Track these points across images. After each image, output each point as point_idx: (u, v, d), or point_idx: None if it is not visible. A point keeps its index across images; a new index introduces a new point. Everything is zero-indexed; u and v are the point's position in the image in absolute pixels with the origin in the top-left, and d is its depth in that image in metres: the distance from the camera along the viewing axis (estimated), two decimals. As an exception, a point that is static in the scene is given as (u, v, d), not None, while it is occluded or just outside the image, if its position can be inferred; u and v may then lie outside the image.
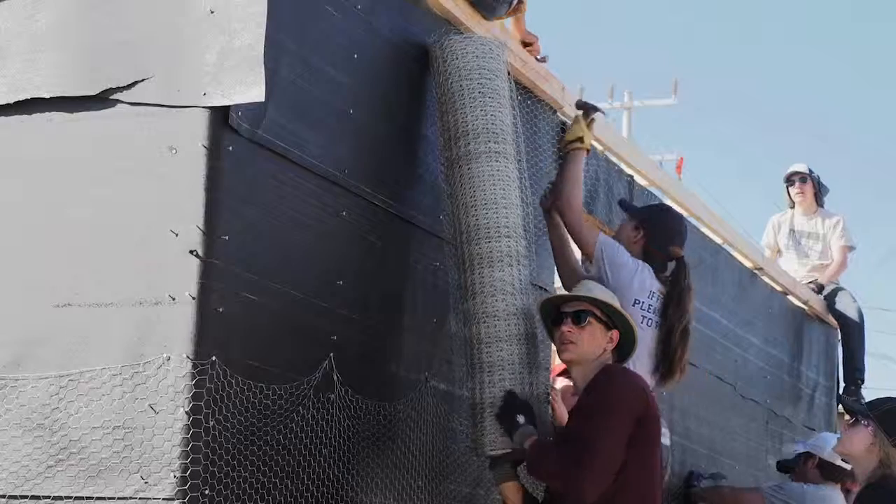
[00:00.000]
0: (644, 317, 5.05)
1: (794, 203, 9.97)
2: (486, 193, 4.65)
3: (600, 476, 4.10)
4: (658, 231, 5.25)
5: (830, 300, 9.66)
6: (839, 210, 10.15)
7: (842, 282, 9.92)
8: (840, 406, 9.66)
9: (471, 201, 4.65)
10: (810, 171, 9.93)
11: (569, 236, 5.33)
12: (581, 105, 5.54)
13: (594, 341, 4.45)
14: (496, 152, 4.70)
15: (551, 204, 5.32)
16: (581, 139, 5.35)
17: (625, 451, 4.16)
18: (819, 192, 9.97)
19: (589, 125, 5.48)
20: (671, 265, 5.25)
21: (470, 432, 4.62)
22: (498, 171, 4.69)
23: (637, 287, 5.04)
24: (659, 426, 4.37)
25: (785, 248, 9.95)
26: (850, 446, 4.63)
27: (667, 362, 5.09)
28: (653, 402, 4.32)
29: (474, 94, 4.73)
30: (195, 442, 3.69)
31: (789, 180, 9.93)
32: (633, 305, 5.00)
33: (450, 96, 4.76)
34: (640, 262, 5.13)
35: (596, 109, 5.56)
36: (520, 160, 4.87)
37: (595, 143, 6.31)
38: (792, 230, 9.94)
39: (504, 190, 4.68)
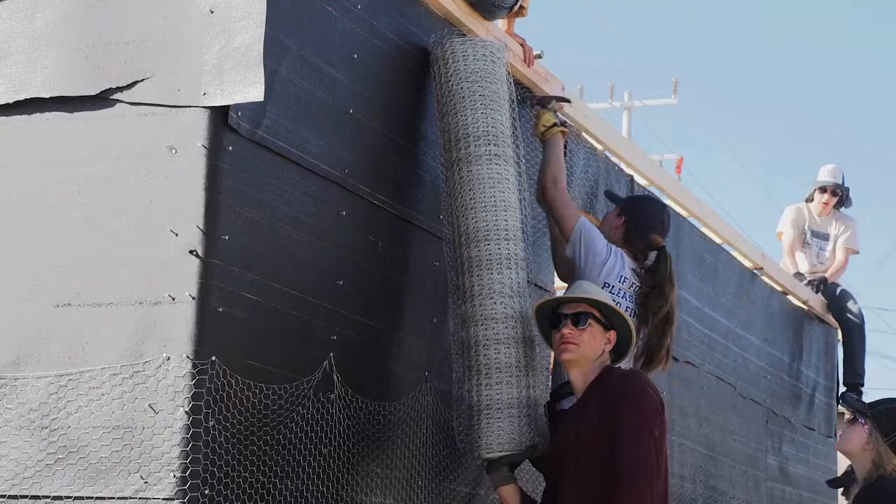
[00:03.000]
0: (614, 301, 5.06)
1: (812, 199, 9.96)
2: (485, 196, 4.65)
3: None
4: (638, 217, 5.25)
5: (830, 300, 9.66)
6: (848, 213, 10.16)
7: (841, 282, 9.93)
8: (841, 404, 9.66)
9: (470, 203, 4.65)
10: (843, 183, 9.92)
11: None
12: (540, 101, 5.56)
13: (594, 343, 4.46)
14: (496, 155, 4.70)
15: (540, 190, 5.32)
16: (555, 124, 5.38)
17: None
18: (842, 202, 9.97)
19: (554, 111, 5.54)
20: (653, 255, 5.25)
21: (466, 435, 4.62)
22: (497, 174, 4.68)
23: (606, 272, 5.04)
24: (666, 422, 4.44)
25: (802, 244, 9.95)
26: (848, 444, 4.70)
27: (647, 352, 5.09)
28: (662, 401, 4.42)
29: (475, 98, 4.72)
30: (195, 442, 3.69)
31: (821, 188, 9.90)
32: (602, 289, 5.01)
33: (450, 99, 4.75)
34: (614, 247, 5.15)
35: (561, 100, 5.63)
36: (519, 162, 4.87)
37: (595, 143, 6.32)
38: (810, 228, 9.95)
39: (503, 193, 4.68)
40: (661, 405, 4.38)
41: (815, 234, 9.92)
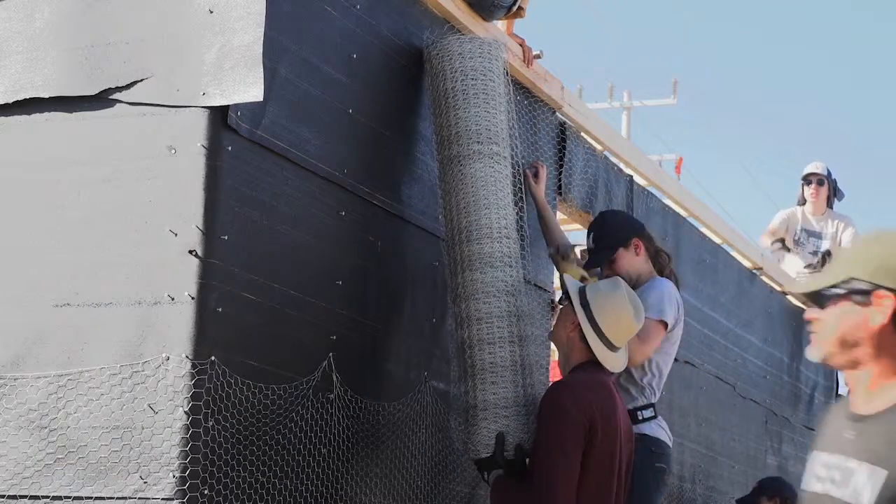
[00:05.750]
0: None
1: (804, 201, 9.99)
2: (467, 195, 4.61)
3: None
4: (637, 226, 5.18)
5: None
6: (842, 210, 10.18)
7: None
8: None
9: (461, 202, 4.63)
10: (829, 173, 9.93)
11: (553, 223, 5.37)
12: (559, 251, 5.30)
13: (560, 325, 4.50)
14: (484, 153, 4.67)
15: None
16: (584, 278, 4.95)
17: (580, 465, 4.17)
18: (832, 195, 9.99)
19: (574, 262, 5.29)
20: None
21: (463, 435, 4.61)
22: (483, 172, 4.64)
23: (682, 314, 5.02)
24: (610, 435, 4.25)
25: (794, 244, 9.96)
26: None
27: None
28: (600, 415, 4.22)
29: (466, 95, 4.70)
30: (194, 442, 3.69)
31: (806, 179, 9.93)
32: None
33: (442, 97, 4.75)
34: (667, 289, 4.95)
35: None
36: (514, 161, 4.85)
37: (594, 143, 6.33)
38: (803, 229, 9.97)
39: (491, 190, 4.64)
40: (589, 418, 4.19)
41: (810, 234, 9.93)
